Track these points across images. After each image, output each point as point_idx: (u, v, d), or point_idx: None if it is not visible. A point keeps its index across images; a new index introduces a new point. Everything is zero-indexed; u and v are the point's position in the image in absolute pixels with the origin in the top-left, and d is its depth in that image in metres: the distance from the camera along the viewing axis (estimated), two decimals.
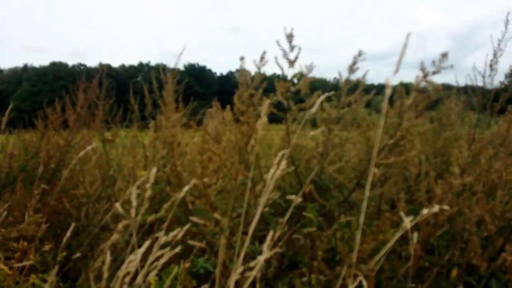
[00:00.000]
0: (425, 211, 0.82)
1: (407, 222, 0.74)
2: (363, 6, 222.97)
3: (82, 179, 1.92)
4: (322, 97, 0.92)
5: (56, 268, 1.44)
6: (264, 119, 0.93)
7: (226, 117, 1.28)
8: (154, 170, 0.87)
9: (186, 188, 0.96)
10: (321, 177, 1.16)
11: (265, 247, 0.83)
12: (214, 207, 1.13)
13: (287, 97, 1.21)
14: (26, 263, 1.74)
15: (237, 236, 1.27)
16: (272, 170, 0.97)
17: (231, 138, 1.13)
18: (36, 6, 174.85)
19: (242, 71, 1.24)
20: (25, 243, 1.80)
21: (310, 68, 1.22)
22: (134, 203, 0.81)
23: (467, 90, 3.14)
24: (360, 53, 1.34)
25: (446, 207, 0.84)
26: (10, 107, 2.48)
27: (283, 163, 0.98)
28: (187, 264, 1.67)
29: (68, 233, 1.33)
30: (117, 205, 1.08)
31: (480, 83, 2.99)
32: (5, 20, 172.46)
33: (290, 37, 1.14)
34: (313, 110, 0.93)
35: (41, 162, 2.15)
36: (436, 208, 0.80)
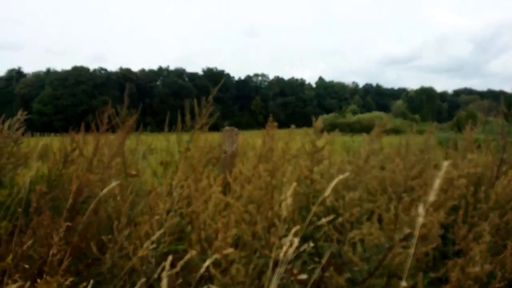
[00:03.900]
0: None
1: None
2: (382, 9, 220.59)
3: (107, 221, 1.99)
4: (334, 182, 0.97)
5: None
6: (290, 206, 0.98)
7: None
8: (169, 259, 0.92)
9: (207, 263, 1.01)
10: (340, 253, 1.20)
11: None
12: (235, 280, 1.18)
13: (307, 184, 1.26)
14: None
15: None
16: (284, 248, 1.01)
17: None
18: (58, 10, 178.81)
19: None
20: (48, 277, 1.88)
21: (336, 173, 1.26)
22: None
23: (490, 95, 2.97)
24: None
25: None
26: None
27: (296, 240, 1.02)
28: None
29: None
30: (136, 261, 1.13)
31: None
32: (29, 23, 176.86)
33: None
34: (326, 194, 0.97)
35: (70, 195, 2.23)
36: None
